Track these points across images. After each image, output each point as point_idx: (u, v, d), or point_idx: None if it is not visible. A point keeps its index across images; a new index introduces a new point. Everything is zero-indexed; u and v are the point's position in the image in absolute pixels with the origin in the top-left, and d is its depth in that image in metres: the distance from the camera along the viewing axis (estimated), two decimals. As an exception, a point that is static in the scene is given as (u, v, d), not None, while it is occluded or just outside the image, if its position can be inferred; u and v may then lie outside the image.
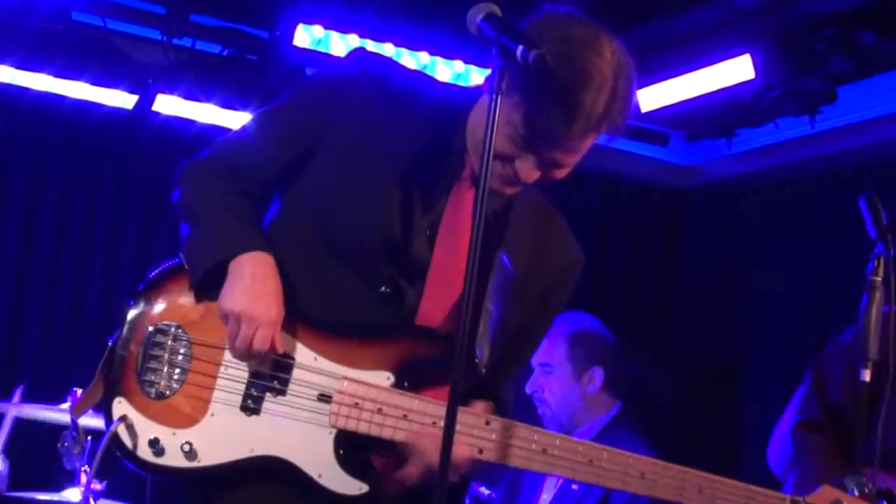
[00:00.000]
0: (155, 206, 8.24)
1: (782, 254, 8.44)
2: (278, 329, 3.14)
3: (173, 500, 3.30)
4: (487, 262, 3.23)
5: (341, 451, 3.14)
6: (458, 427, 2.98)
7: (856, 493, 3.31)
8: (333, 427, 3.15)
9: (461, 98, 3.31)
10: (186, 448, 3.16)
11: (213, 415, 3.19)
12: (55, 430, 6.06)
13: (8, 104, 7.69)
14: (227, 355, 3.19)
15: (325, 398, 3.16)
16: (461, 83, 7.31)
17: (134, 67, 7.50)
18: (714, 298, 9.00)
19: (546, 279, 3.41)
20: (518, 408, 3.49)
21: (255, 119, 3.41)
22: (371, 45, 7.20)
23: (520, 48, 2.87)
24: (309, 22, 7.15)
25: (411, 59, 7.23)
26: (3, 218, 7.93)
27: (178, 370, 3.21)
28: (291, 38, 7.16)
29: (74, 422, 5.85)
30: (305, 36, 7.16)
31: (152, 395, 3.20)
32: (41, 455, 7.08)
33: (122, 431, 3.18)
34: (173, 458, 3.17)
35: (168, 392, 3.20)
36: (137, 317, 3.26)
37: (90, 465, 5.92)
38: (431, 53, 7.32)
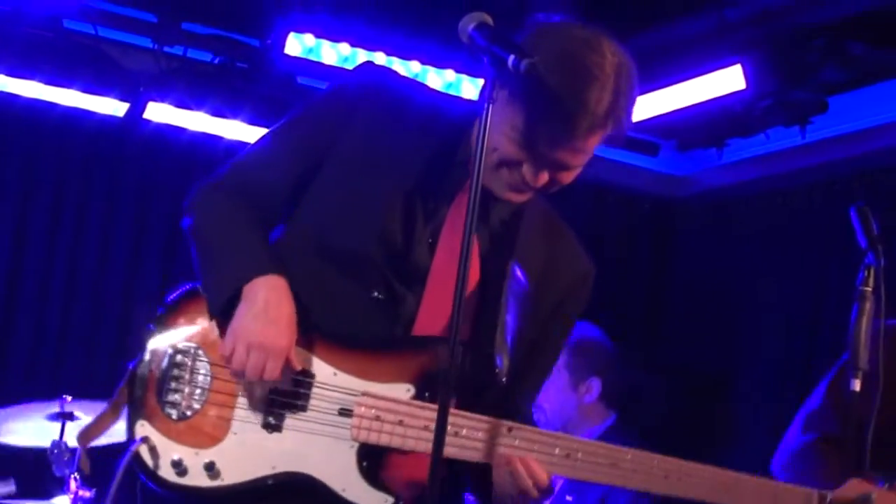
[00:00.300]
0: (146, 213, 8.23)
1: (773, 263, 8.44)
2: (291, 353, 3.14)
3: None
4: (500, 272, 3.26)
5: (364, 464, 3.15)
6: (479, 435, 3.06)
7: (886, 485, 3.29)
8: (355, 441, 3.16)
9: (465, 110, 3.33)
10: (209, 467, 3.17)
11: (235, 433, 3.20)
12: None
13: (-2, 111, 7.69)
14: None
15: (346, 412, 3.17)
16: (453, 92, 7.32)
17: (125, 75, 7.49)
18: (705, 307, 8.99)
19: (557, 291, 3.42)
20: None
21: (266, 137, 3.41)
22: (362, 54, 7.21)
23: (511, 57, 2.88)
24: (300, 30, 7.14)
25: (402, 68, 7.23)
26: (-6, 225, 7.92)
27: (198, 391, 3.23)
28: (283, 46, 7.16)
29: (58, 442, 5.86)
30: (296, 44, 7.16)
31: (174, 417, 3.22)
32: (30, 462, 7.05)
33: (144, 452, 3.20)
34: (196, 478, 3.18)
35: (189, 413, 3.22)
36: (157, 340, 3.29)
37: (79, 473, 5.92)
38: (423, 62, 7.32)
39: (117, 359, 7.93)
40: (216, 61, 7.62)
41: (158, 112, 7.55)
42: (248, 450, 3.18)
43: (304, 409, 3.18)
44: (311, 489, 3.15)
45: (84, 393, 6.23)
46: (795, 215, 8.37)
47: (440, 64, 7.39)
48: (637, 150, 8.85)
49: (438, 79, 7.35)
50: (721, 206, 9.06)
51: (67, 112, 7.56)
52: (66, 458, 5.95)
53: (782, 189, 8.48)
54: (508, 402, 3.27)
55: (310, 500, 3.17)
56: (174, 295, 3.34)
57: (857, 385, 3.47)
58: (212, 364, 3.24)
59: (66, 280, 8.03)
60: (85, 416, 6.06)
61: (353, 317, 3.23)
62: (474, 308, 3.24)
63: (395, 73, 3.43)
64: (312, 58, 7.21)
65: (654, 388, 8.17)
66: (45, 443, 5.94)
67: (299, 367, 3.17)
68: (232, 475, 3.18)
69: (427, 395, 3.17)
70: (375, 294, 3.22)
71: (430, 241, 3.24)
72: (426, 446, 3.08)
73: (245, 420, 3.20)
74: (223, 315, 3.19)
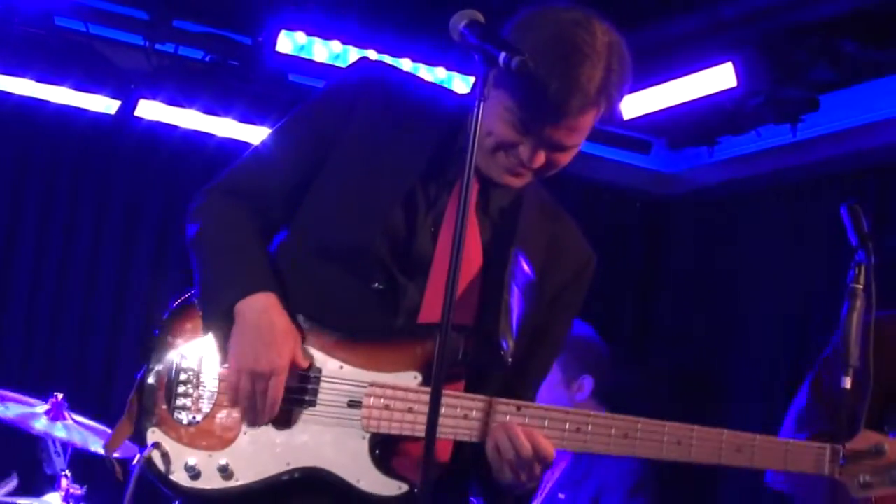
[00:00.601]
0: (137, 210, 8.23)
1: (764, 261, 8.45)
2: (298, 355, 3.16)
3: None
4: (502, 258, 3.27)
5: (377, 453, 3.16)
6: (489, 416, 3.09)
7: None
8: (366, 431, 3.17)
9: (463, 100, 3.33)
10: (223, 469, 3.18)
11: (246, 433, 3.21)
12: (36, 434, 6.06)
13: (-10, 109, 7.68)
14: None
15: (355, 404, 3.18)
16: (444, 90, 7.31)
17: (116, 73, 7.49)
18: (696, 305, 9.01)
19: (560, 277, 3.42)
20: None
21: (268, 139, 3.42)
22: (353, 52, 7.22)
23: (502, 54, 2.89)
24: (292, 28, 7.15)
25: (394, 66, 7.23)
26: (-16, 223, 7.92)
27: (207, 394, 3.24)
28: (274, 44, 7.16)
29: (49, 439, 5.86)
30: (288, 42, 7.16)
31: (184, 422, 3.23)
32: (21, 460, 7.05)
33: (156, 459, 3.21)
34: (210, 481, 3.19)
35: (199, 417, 3.24)
36: (162, 347, 3.29)
37: (68, 469, 5.92)
38: (414, 60, 7.32)
39: (108, 356, 8.00)
40: (208, 59, 7.62)
41: (150, 109, 7.55)
42: (261, 449, 3.19)
43: (313, 404, 3.19)
44: (326, 483, 3.16)
45: (75, 390, 6.24)
46: (787, 213, 8.38)
47: (431, 62, 7.39)
48: (629, 148, 8.87)
49: (430, 77, 7.35)
50: (712, 203, 9.06)
51: (59, 109, 7.56)
52: (57, 457, 5.95)
53: (774, 187, 8.49)
54: (512, 392, 3.27)
55: (325, 494, 3.18)
56: (178, 300, 3.35)
57: (847, 382, 3.47)
58: (218, 367, 3.25)
59: (58, 277, 8.03)
60: (75, 414, 6.06)
61: (354, 309, 3.23)
62: (478, 293, 3.25)
63: (391, 66, 3.45)
64: (304, 55, 7.22)
65: (645, 386, 8.18)
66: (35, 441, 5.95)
67: (306, 364, 3.19)
68: (246, 475, 3.19)
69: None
70: (376, 285, 3.22)
71: (433, 229, 3.26)
72: (438, 432, 3.09)
73: None
74: (215, 333, 3.22)
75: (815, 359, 4.50)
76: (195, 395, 3.24)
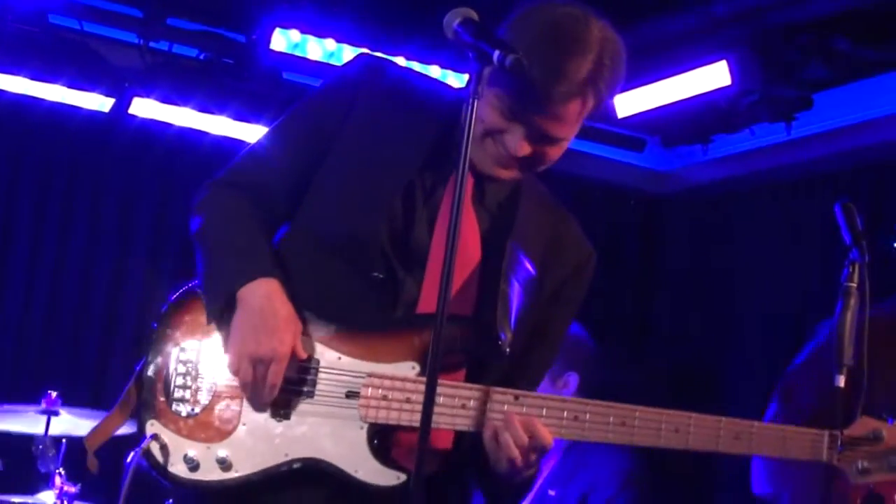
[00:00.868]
0: (131, 208, 8.23)
1: (758, 259, 8.47)
2: (297, 345, 3.17)
3: None
4: (501, 249, 3.27)
5: (375, 443, 3.17)
6: (489, 405, 3.10)
7: (895, 421, 3.28)
8: (364, 421, 3.17)
9: (461, 94, 3.34)
10: (222, 460, 3.19)
11: (244, 425, 3.22)
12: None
13: (-17, 107, 7.67)
14: None
15: (353, 394, 3.19)
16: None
17: (110, 70, 7.48)
18: (691, 303, 9.02)
19: (560, 274, 3.43)
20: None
21: (269, 133, 3.44)
22: (348, 50, 7.22)
23: (496, 53, 2.90)
24: (286, 26, 7.15)
25: (388, 64, 7.23)
26: (-22, 220, 7.91)
27: (205, 386, 3.25)
28: (268, 42, 7.17)
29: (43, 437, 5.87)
30: (282, 40, 7.17)
31: (183, 414, 3.24)
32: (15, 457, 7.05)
33: (155, 450, 3.22)
34: (209, 472, 3.20)
35: (198, 409, 3.24)
36: (161, 340, 3.30)
37: (62, 467, 5.93)
38: (408, 58, 7.32)
39: (103, 354, 7.99)
40: (202, 57, 7.62)
41: (144, 107, 7.55)
42: (259, 440, 3.20)
43: (311, 395, 3.20)
44: (324, 473, 3.17)
45: (69, 388, 6.24)
46: (781, 211, 8.39)
47: (425, 60, 7.40)
48: (623, 146, 8.87)
49: (424, 74, 7.35)
50: (707, 202, 9.08)
51: (53, 107, 7.55)
52: (50, 454, 5.95)
53: (767, 185, 8.51)
54: (512, 387, 3.27)
55: (323, 485, 3.19)
56: (177, 293, 3.36)
57: (841, 381, 3.47)
58: (216, 359, 3.26)
59: (52, 275, 8.02)
60: (69, 412, 6.06)
61: (353, 300, 3.25)
62: (477, 285, 3.26)
63: (391, 61, 3.46)
64: (298, 53, 7.22)
65: (641, 384, 8.19)
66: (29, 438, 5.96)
67: (305, 355, 3.19)
68: (244, 466, 3.20)
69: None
70: (376, 274, 3.23)
71: (429, 222, 3.27)
72: (435, 421, 3.10)
73: (254, 411, 3.22)
74: (220, 320, 3.22)
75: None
76: (194, 387, 3.25)
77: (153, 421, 3.24)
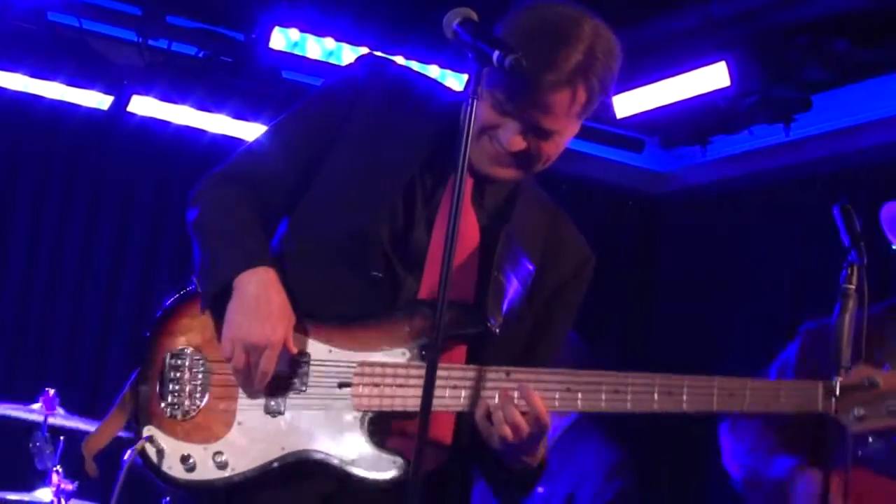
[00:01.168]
0: (130, 206, 8.23)
1: (756, 261, 8.47)
2: (288, 339, 3.17)
3: None
4: (493, 242, 3.28)
5: (370, 431, 3.17)
6: (481, 383, 3.10)
7: (890, 368, 3.27)
8: (358, 410, 3.18)
9: (461, 95, 3.34)
10: (219, 459, 3.20)
11: (239, 423, 3.23)
12: (27, 429, 6.06)
13: (-17, 104, 7.67)
14: None
15: (345, 385, 3.19)
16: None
17: (109, 68, 7.49)
18: (688, 303, 9.02)
19: (559, 276, 3.43)
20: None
21: (272, 128, 3.44)
22: (347, 49, 7.22)
23: (496, 53, 2.90)
24: (285, 25, 7.15)
25: (387, 63, 7.23)
26: (-24, 217, 7.91)
27: (199, 389, 3.26)
28: (267, 40, 7.17)
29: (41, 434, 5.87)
30: (281, 39, 7.17)
31: (179, 418, 3.25)
32: (12, 455, 7.05)
33: (151, 453, 3.23)
34: (206, 472, 3.21)
35: (193, 412, 3.25)
36: (155, 345, 3.31)
37: (59, 465, 5.92)
38: (407, 57, 7.31)
39: (100, 352, 7.99)
40: (201, 55, 7.62)
41: (143, 105, 7.55)
42: (255, 437, 3.21)
43: (304, 388, 3.21)
44: (322, 465, 3.18)
45: (66, 385, 6.23)
46: (779, 212, 8.39)
47: (424, 59, 7.40)
48: (621, 147, 8.88)
49: (423, 74, 7.35)
50: (705, 202, 9.08)
51: (52, 105, 7.56)
52: (48, 452, 5.94)
53: (766, 186, 8.51)
54: None
55: (322, 477, 3.19)
56: (171, 299, 3.37)
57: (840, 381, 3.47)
58: (210, 361, 3.27)
59: (50, 272, 8.02)
60: (66, 410, 6.06)
61: (351, 298, 3.25)
62: (477, 284, 3.26)
63: (393, 62, 3.46)
64: (297, 52, 7.22)
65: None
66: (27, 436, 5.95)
67: (296, 350, 3.20)
68: (241, 464, 3.20)
69: (424, 354, 3.17)
70: (375, 273, 3.24)
71: (428, 222, 3.27)
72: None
73: (248, 409, 3.23)
74: (214, 307, 3.23)
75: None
76: (188, 390, 3.26)
77: (150, 426, 3.25)
